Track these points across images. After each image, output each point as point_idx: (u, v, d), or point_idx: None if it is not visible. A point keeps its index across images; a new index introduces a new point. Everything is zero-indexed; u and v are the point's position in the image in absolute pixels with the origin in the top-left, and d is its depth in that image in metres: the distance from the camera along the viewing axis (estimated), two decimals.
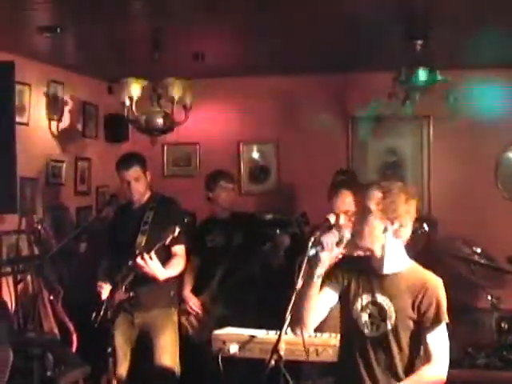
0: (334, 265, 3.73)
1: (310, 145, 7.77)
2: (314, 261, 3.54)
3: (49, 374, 5.35)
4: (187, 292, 6.42)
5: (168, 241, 5.32)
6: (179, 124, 6.50)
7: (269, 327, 4.67)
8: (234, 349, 4.67)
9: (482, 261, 5.74)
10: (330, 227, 3.69)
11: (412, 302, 3.47)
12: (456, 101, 6.37)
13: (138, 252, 5.51)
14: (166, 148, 8.31)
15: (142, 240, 5.66)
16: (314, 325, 3.72)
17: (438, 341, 3.48)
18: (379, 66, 6.82)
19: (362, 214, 3.54)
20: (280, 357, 3.96)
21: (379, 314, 3.52)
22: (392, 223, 3.50)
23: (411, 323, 3.49)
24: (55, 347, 5.54)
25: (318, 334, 4.57)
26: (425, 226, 5.33)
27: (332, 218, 3.75)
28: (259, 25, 5.79)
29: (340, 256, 3.80)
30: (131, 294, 5.60)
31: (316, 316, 3.67)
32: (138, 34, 6.00)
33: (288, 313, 3.67)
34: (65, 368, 5.47)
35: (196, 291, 6.43)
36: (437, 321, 3.46)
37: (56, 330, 5.97)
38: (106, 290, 5.66)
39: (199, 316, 6.36)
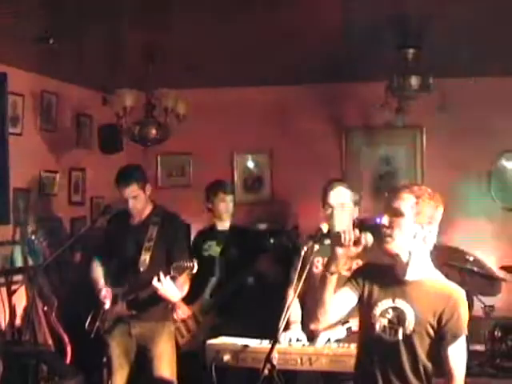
0: (356, 269, 3.76)
1: (303, 155, 7.77)
2: (331, 257, 3.54)
3: None
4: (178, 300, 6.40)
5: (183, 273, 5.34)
6: (172, 134, 6.51)
7: (261, 338, 4.68)
8: (227, 358, 4.67)
9: (475, 269, 5.73)
10: (323, 236, 3.69)
11: (433, 310, 3.43)
12: (448, 110, 6.38)
13: (142, 270, 5.53)
14: (159, 158, 8.32)
15: (146, 257, 5.61)
16: (329, 321, 3.70)
17: (458, 354, 3.45)
18: (372, 76, 6.84)
19: (392, 217, 3.50)
20: (273, 366, 3.97)
21: (398, 318, 3.49)
22: (422, 228, 3.49)
23: (430, 330, 3.44)
24: (49, 358, 5.53)
25: (311, 343, 4.59)
26: None
27: (325, 227, 3.74)
28: (252, 35, 5.81)
29: (361, 263, 3.81)
30: (133, 312, 5.60)
31: (332, 313, 3.63)
32: (132, 45, 6.01)
33: (281, 321, 3.67)
34: (59, 379, 5.46)
35: (187, 300, 6.41)
36: (458, 333, 3.43)
37: (50, 341, 5.95)
38: (107, 299, 5.64)
39: (189, 325, 6.33)
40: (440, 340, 3.44)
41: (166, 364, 5.72)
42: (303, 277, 3.78)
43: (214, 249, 6.51)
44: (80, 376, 5.63)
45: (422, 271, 3.53)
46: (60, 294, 6.32)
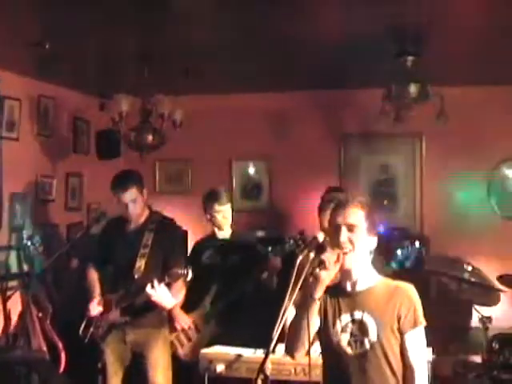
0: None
1: (302, 161, 7.75)
2: (314, 282, 3.48)
3: None
4: (177, 308, 6.35)
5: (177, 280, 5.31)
6: (169, 140, 6.48)
7: (261, 347, 4.63)
8: (220, 368, 4.63)
9: (473, 279, 5.69)
10: (319, 245, 3.64)
11: (391, 311, 3.43)
12: (448, 118, 6.35)
13: (136, 277, 5.48)
14: (157, 164, 8.30)
15: (141, 264, 5.54)
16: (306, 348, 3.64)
17: (417, 345, 3.46)
18: (371, 83, 6.80)
19: (351, 233, 3.47)
20: (266, 376, 3.93)
21: (360, 330, 3.46)
22: (374, 236, 3.51)
23: (395, 332, 3.44)
24: (40, 366, 5.49)
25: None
26: (416, 243, 5.31)
27: (320, 236, 3.69)
28: (251, 43, 5.78)
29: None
30: (127, 319, 5.56)
31: (311, 339, 3.58)
32: (129, 50, 5.98)
33: (275, 331, 3.63)
34: None
35: (187, 308, 6.36)
36: (415, 324, 3.43)
37: (45, 348, 5.92)
38: (95, 306, 5.60)
39: (189, 334, 6.28)
40: (401, 335, 3.44)
41: (160, 371, 5.66)
42: (298, 286, 3.73)
43: (214, 257, 6.45)
44: None
45: (370, 279, 3.54)
46: (56, 301, 6.29)
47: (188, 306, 6.27)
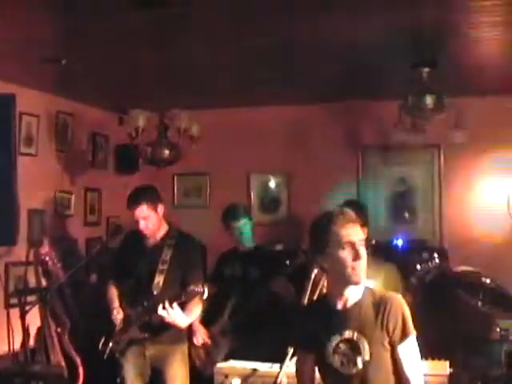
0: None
1: (320, 174, 7.71)
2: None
3: None
4: (196, 322, 6.34)
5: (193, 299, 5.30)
6: (186, 155, 6.49)
7: (277, 361, 4.61)
8: (236, 382, 4.61)
9: (492, 292, 5.65)
10: None
11: (380, 324, 3.41)
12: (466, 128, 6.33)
13: (155, 293, 5.49)
14: (176, 178, 8.31)
15: (159, 280, 5.56)
16: None
17: (410, 356, 3.44)
18: (388, 94, 6.78)
19: (363, 249, 3.45)
20: None
21: (352, 349, 3.44)
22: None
23: (386, 345, 3.42)
24: (58, 381, 5.49)
25: None
26: (435, 256, 5.28)
27: None
28: (267, 56, 5.78)
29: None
30: (146, 335, 5.56)
31: None
32: (147, 65, 6.00)
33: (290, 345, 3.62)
34: None
35: (207, 322, 6.36)
36: (405, 335, 3.41)
37: (63, 363, 5.92)
38: (119, 320, 5.61)
39: (208, 348, 6.27)
40: (392, 347, 3.42)
41: None
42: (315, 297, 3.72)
43: (235, 270, 6.45)
44: None
45: (357, 293, 3.51)
46: (74, 315, 6.29)
47: (208, 319, 6.27)
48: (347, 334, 3.46)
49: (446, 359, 4.54)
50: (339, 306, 3.51)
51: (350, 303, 3.49)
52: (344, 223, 3.44)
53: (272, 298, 6.20)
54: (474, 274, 6.23)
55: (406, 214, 7.67)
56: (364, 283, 3.49)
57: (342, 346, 3.47)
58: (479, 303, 5.82)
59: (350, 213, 3.53)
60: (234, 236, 6.40)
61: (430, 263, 5.21)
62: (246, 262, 6.39)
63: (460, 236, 7.26)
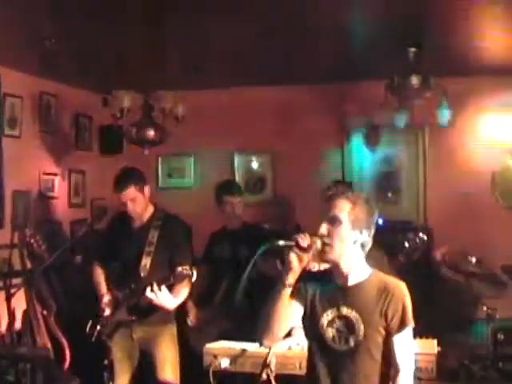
0: (297, 280, 3.61)
1: (305, 154, 7.71)
2: (285, 268, 3.48)
3: None
4: (190, 303, 6.32)
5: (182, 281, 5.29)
6: (171, 136, 6.46)
7: None
8: (225, 363, 4.62)
9: (477, 271, 5.67)
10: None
11: (379, 309, 3.42)
12: (450, 109, 6.34)
13: (143, 275, 5.47)
14: (160, 159, 8.28)
15: (146, 262, 5.53)
16: (281, 336, 3.64)
17: (404, 346, 3.45)
18: (374, 75, 6.77)
19: (330, 225, 3.47)
20: (271, 370, 3.93)
21: (347, 327, 3.46)
22: (361, 233, 3.47)
23: (382, 331, 3.44)
24: (45, 363, 5.48)
25: None
26: (422, 234, 5.29)
27: (324, 229, 3.67)
28: (255, 36, 5.76)
29: (315, 269, 3.77)
30: (133, 318, 5.55)
31: (284, 326, 3.59)
32: (131, 46, 5.96)
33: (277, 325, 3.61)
34: None
35: (202, 302, 6.35)
36: (403, 325, 3.42)
37: (49, 345, 5.90)
38: (108, 306, 5.59)
39: (202, 328, 6.27)
40: (388, 334, 3.43)
41: (168, 367, 5.65)
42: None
43: (224, 250, 6.45)
44: (76, 382, 5.58)
45: (361, 274, 3.52)
46: (60, 298, 6.27)
47: (202, 299, 6.26)
48: (345, 310, 3.47)
49: (433, 338, 4.58)
50: (339, 281, 3.53)
51: (351, 282, 3.51)
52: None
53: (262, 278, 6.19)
54: (458, 254, 6.26)
55: (389, 194, 7.69)
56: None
57: (337, 321, 3.48)
58: (465, 282, 5.84)
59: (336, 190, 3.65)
60: (226, 212, 6.40)
61: (417, 240, 5.22)
62: (236, 240, 6.39)
63: (444, 216, 7.28)
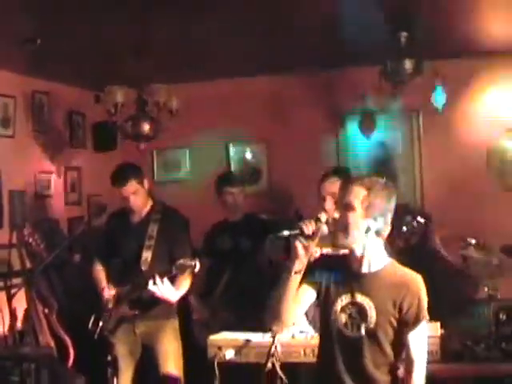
0: (312, 263, 3.64)
1: (300, 143, 7.70)
2: (290, 254, 3.48)
3: None
4: (192, 297, 6.31)
5: (185, 272, 5.28)
6: (166, 129, 6.45)
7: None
8: (229, 354, 4.62)
9: (477, 253, 5.67)
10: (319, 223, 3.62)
11: (393, 300, 3.42)
12: (444, 91, 6.33)
13: (144, 269, 5.49)
14: (155, 154, 8.26)
15: (147, 256, 5.57)
16: (291, 322, 3.64)
17: (419, 340, 3.45)
18: (366, 61, 6.75)
19: (344, 212, 3.46)
20: (276, 360, 3.93)
21: (359, 314, 3.46)
22: (375, 220, 3.44)
23: (393, 322, 3.44)
24: (49, 362, 5.47)
25: (315, 335, 4.53)
26: (419, 218, 5.28)
27: (323, 217, 3.67)
28: (245, 25, 5.75)
29: (317, 255, 3.76)
30: (136, 312, 5.55)
31: (294, 313, 3.59)
32: (121, 41, 5.94)
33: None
34: (59, 382, 5.41)
35: (204, 294, 6.34)
36: (418, 319, 3.42)
37: (52, 344, 5.90)
38: (110, 299, 5.59)
39: (205, 321, 6.27)
40: (401, 327, 3.43)
41: (172, 361, 5.67)
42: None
43: (226, 242, 6.45)
44: (82, 380, 5.58)
45: (377, 263, 3.52)
46: (60, 296, 6.27)
47: (205, 291, 6.26)
48: (359, 298, 3.47)
49: (436, 321, 4.59)
50: (355, 268, 3.53)
51: (367, 269, 3.50)
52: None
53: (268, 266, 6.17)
54: (457, 236, 6.26)
55: (386, 179, 7.67)
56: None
57: (351, 307, 3.48)
58: (465, 264, 5.84)
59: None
60: (227, 204, 6.41)
61: (414, 224, 5.22)
62: (236, 232, 6.40)
63: (442, 199, 7.27)
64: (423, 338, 3.48)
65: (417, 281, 3.47)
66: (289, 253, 3.52)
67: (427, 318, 3.45)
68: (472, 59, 7.04)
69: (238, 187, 6.46)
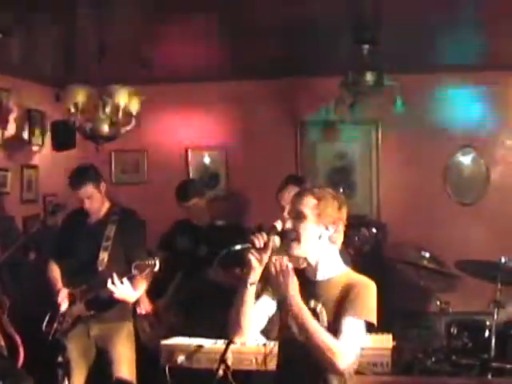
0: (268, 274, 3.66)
1: (259, 150, 7.73)
2: (245, 266, 3.50)
3: None
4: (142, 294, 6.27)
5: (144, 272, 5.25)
6: (125, 131, 6.41)
7: (221, 338, 4.62)
8: (181, 359, 4.62)
9: (430, 266, 5.73)
10: (277, 234, 3.64)
11: (341, 299, 3.42)
12: (404, 105, 6.39)
13: (100, 269, 5.46)
14: (113, 155, 8.22)
15: (104, 257, 5.54)
16: (252, 333, 3.65)
17: (353, 331, 3.37)
18: (328, 71, 6.81)
19: (296, 221, 3.50)
20: (228, 366, 3.93)
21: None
22: (327, 229, 3.49)
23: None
24: None
25: (267, 343, 4.54)
26: (373, 228, 5.33)
27: (279, 225, 3.69)
28: (207, 29, 5.75)
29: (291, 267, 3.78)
30: (92, 312, 5.52)
31: (253, 324, 3.60)
32: (83, 39, 5.91)
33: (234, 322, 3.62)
34: (7, 382, 5.35)
35: (154, 295, 6.30)
36: (357, 314, 3.36)
37: (2, 342, 5.84)
38: (65, 301, 5.55)
39: (151, 321, 6.24)
40: (339, 316, 3.41)
41: (125, 364, 5.62)
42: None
43: (186, 243, 6.43)
44: (30, 380, 5.52)
45: (331, 270, 3.55)
46: (13, 294, 6.20)
47: (154, 292, 6.22)
48: (312, 304, 3.49)
49: (387, 332, 4.62)
50: (310, 276, 3.56)
51: (321, 276, 3.53)
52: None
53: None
54: (411, 248, 6.33)
55: (341, 189, 7.72)
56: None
57: None
58: (418, 277, 5.90)
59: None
60: (190, 213, 6.39)
61: (366, 234, 5.27)
62: (198, 236, 6.38)
63: (398, 210, 7.34)
64: (358, 334, 3.38)
65: (367, 283, 3.46)
66: (243, 266, 3.54)
67: (369, 319, 3.38)
68: (433, 74, 7.13)
69: (196, 198, 6.39)
